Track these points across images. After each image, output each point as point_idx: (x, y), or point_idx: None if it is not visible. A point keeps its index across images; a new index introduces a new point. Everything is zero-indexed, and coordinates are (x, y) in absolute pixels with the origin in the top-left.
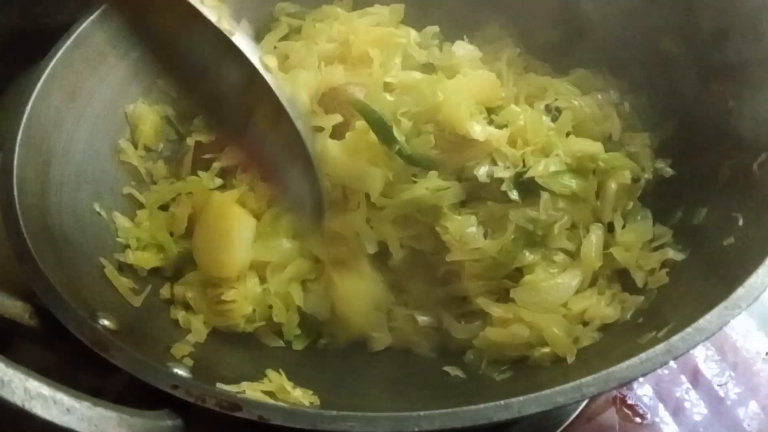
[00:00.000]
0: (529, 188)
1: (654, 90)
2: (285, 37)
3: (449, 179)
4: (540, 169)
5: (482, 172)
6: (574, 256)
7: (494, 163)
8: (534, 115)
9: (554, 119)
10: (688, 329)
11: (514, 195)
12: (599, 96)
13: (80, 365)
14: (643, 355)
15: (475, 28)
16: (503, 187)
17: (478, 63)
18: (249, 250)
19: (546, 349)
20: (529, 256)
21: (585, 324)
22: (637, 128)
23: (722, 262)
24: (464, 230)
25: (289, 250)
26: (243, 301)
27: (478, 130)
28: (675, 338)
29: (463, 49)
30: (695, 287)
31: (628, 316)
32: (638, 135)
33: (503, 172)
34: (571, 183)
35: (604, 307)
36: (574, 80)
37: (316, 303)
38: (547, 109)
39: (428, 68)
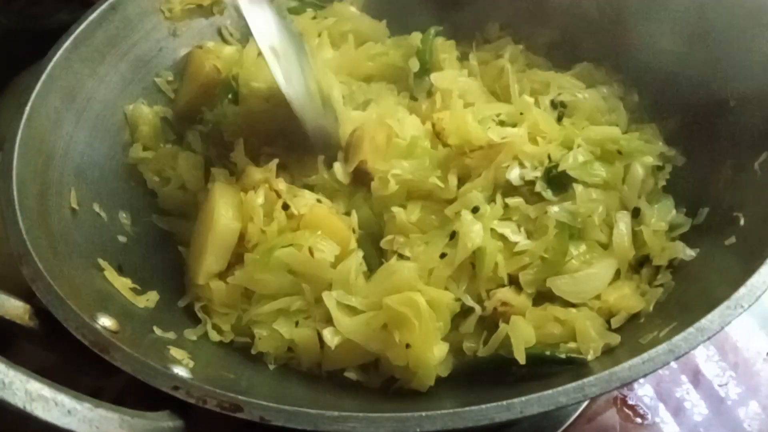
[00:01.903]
0: (561, 183)
1: (654, 89)
2: None
3: (487, 190)
4: (570, 162)
5: (514, 175)
6: (605, 246)
7: (522, 164)
8: (540, 109)
9: (560, 115)
10: (690, 329)
11: (548, 194)
12: (604, 89)
13: (80, 366)
14: (645, 355)
15: (476, 28)
16: (537, 188)
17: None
18: (222, 259)
19: (572, 345)
20: (573, 251)
21: (612, 316)
22: (644, 120)
23: (724, 262)
24: (509, 238)
25: (279, 284)
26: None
27: (494, 132)
28: (677, 338)
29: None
30: (697, 287)
31: (651, 308)
32: (647, 126)
33: (534, 173)
34: (601, 171)
35: (630, 297)
36: (577, 74)
37: (307, 335)
38: (552, 104)
39: None
